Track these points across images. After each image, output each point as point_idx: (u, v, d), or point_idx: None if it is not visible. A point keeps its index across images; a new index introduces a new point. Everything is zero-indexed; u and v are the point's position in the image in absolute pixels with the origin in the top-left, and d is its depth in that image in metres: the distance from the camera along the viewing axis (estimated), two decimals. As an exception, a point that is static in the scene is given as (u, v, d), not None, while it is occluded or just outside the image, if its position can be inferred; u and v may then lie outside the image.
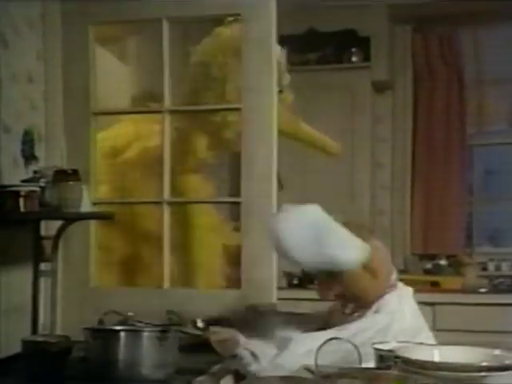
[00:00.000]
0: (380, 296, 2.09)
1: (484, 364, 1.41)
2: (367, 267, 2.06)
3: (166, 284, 2.93)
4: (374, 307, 2.07)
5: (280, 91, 3.04)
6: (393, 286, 2.14)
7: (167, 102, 2.99)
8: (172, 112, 3.03)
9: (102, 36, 3.16)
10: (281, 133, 2.99)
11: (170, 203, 2.98)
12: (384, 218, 4.89)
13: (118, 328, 1.90)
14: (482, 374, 1.38)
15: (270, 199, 2.91)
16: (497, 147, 5.03)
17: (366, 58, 4.66)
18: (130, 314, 2.30)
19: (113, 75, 3.45)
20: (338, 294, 2.14)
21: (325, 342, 1.67)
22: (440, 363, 1.44)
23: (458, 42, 4.78)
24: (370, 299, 2.09)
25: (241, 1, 2.95)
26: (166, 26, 3.00)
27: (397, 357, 1.47)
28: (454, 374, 1.38)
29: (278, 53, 3.05)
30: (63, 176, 2.34)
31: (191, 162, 3.27)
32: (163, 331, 1.79)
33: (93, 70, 2.98)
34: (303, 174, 4.63)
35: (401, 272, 3.39)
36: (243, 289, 2.85)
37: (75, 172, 2.38)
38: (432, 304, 3.97)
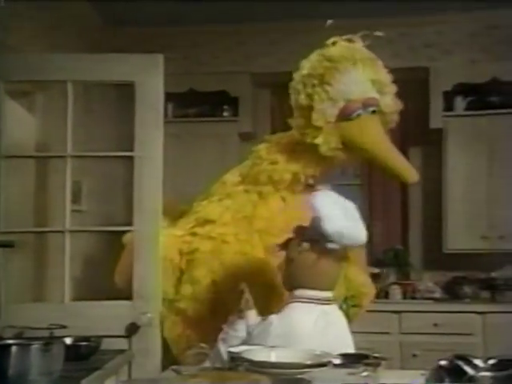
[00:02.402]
0: None
1: (307, 362, 1.53)
2: None
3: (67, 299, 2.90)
4: None
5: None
6: None
7: (69, 148, 2.99)
8: (73, 157, 3.03)
9: (13, 90, 3.09)
10: (362, 151, 2.61)
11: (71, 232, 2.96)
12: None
13: (9, 342, 1.77)
14: (306, 370, 1.50)
15: (156, 229, 2.99)
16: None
17: (235, 113, 4.72)
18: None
19: (22, 124, 3.37)
20: None
21: None
22: (274, 363, 1.53)
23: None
24: None
25: (135, 70, 2.98)
26: (70, 86, 3.00)
27: (242, 358, 1.56)
28: (285, 371, 1.49)
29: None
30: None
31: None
32: (48, 343, 1.70)
33: (3, 119, 2.91)
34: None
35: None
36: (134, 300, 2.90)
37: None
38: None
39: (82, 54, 3.13)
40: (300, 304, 2.00)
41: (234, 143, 4.74)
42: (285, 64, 4.72)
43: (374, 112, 2.57)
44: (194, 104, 4.77)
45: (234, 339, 2.02)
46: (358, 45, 2.60)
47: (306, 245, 2.05)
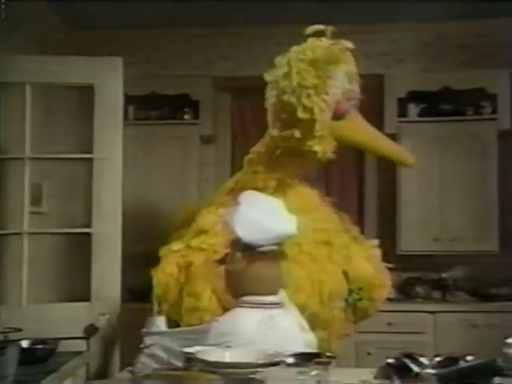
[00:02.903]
0: None
1: (260, 362, 1.55)
2: None
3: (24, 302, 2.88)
4: None
5: None
6: None
7: (28, 150, 2.96)
8: (31, 159, 3.00)
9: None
10: (358, 145, 2.80)
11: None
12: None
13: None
14: (258, 369, 1.52)
15: (115, 231, 2.98)
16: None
17: (196, 116, 4.71)
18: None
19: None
20: None
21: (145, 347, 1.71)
22: (228, 363, 1.54)
23: (264, 109, 5.01)
24: None
25: (94, 73, 3.02)
26: (28, 88, 2.97)
27: (197, 358, 1.57)
28: (238, 371, 1.51)
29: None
30: None
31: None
32: (1, 347, 1.67)
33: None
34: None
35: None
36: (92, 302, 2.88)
37: None
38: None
39: (42, 55, 3.09)
40: (242, 309, 1.98)
41: (194, 146, 4.75)
42: (244, 68, 4.78)
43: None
44: (155, 106, 4.76)
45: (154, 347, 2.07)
46: (328, 41, 2.57)
47: (238, 254, 2.02)
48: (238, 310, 1.99)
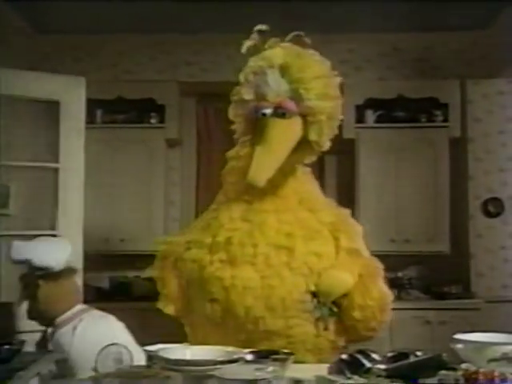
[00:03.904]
0: None
1: (219, 359, 1.56)
2: None
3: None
4: None
5: None
6: None
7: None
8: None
9: None
10: None
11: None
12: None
13: None
14: (218, 366, 1.53)
15: (78, 233, 3.09)
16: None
17: (162, 120, 4.71)
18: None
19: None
20: None
21: (105, 348, 1.71)
22: (189, 360, 1.51)
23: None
24: None
25: (59, 89, 3.18)
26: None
27: (158, 356, 1.56)
28: (198, 368, 1.51)
29: None
30: None
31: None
32: None
33: None
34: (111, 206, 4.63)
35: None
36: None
37: None
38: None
39: (12, 69, 3.14)
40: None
41: (160, 149, 4.75)
42: (208, 74, 4.81)
43: None
44: (122, 110, 4.75)
45: None
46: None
47: (40, 281, 2.20)
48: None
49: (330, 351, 2.32)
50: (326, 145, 2.41)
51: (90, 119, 4.65)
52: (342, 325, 2.37)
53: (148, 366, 1.69)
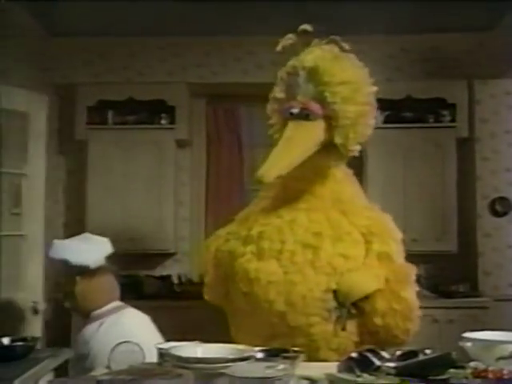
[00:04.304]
0: None
1: (230, 357, 1.56)
2: None
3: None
4: None
5: None
6: None
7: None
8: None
9: None
10: None
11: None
12: (185, 243, 4.93)
13: None
14: (228, 364, 1.53)
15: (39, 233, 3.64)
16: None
17: (172, 121, 4.71)
18: None
19: None
20: None
21: (117, 345, 1.72)
22: (200, 358, 1.51)
23: (238, 114, 5.01)
24: None
25: (26, 106, 3.61)
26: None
27: (169, 354, 1.57)
28: (209, 366, 1.51)
29: None
30: None
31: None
32: None
33: None
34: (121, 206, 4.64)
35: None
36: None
37: None
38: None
39: None
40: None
41: (170, 150, 4.75)
42: (217, 75, 4.82)
43: None
44: (133, 112, 4.75)
45: None
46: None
47: (77, 278, 2.32)
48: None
49: (330, 341, 2.29)
50: (355, 149, 2.41)
51: (102, 120, 4.70)
52: (365, 328, 2.33)
53: (159, 364, 1.69)
